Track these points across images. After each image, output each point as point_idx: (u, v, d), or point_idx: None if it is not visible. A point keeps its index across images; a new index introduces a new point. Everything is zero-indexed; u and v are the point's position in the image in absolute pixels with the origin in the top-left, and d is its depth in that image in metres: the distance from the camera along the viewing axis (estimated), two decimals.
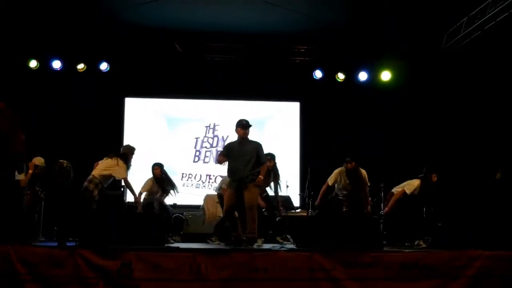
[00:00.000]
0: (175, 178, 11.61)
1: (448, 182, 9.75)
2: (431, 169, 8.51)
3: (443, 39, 10.74)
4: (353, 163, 8.50)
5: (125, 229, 6.23)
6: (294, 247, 6.96)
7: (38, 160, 8.23)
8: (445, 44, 10.70)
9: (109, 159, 8.22)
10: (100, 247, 5.76)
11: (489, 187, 8.84)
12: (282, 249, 6.41)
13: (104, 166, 8.21)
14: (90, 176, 8.11)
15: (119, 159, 8.21)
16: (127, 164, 8.34)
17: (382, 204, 10.08)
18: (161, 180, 9.17)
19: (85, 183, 8.04)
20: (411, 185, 8.51)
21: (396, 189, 8.75)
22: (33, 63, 11.14)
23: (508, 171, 8.99)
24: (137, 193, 8.64)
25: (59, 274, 5.56)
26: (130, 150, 8.64)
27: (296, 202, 10.99)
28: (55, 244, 6.45)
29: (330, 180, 8.68)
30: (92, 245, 5.85)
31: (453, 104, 10.96)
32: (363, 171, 8.69)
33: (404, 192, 8.48)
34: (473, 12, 9.56)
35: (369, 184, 8.80)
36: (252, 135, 11.93)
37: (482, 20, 9.34)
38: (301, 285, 5.68)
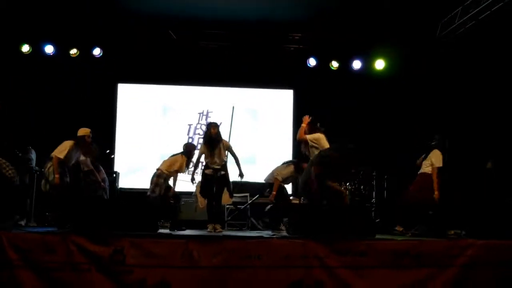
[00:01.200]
0: None
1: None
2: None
3: (437, 28, 10.73)
4: None
5: (118, 215, 6.23)
6: (287, 235, 7.00)
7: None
8: (440, 34, 10.70)
9: (178, 156, 8.47)
10: (93, 233, 5.74)
11: (481, 177, 8.88)
12: (274, 236, 6.42)
13: (171, 162, 8.47)
14: (158, 171, 8.40)
15: (184, 156, 8.47)
16: (189, 160, 8.60)
17: (374, 193, 10.15)
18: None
19: (154, 178, 8.36)
20: (438, 156, 7.90)
21: (427, 168, 7.97)
22: (25, 48, 11.03)
23: (499, 161, 9.04)
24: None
25: (52, 260, 5.53)
26: (193, 147, 8.87)
27: (289, 189, 10.99)
28: (48, 229, 6.45)
29: None
30: (85, 231, 5.83)
31: (447, 94, 10.96)
32: None
33: (438, 167, 7.82)
34: (468, 2, 9.56)
35: None
36: (246, 123, 12.02)
37: (477, 10, 9.33)
38: (294, 273, 5.69)
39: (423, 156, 8.14)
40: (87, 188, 8.59)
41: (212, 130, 8.18)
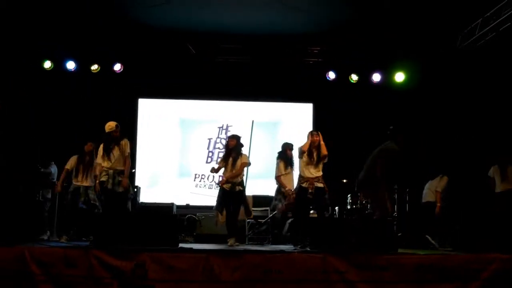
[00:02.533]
0: (188, 179, 11.71)
1: (462, 183, 9.72)
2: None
3: (457, 40, 10.67)
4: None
5: (139, 230, 6.25)
6: (308, 249, 6.96)
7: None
8: (460, 45, 10.62)
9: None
10: (114, 248, 5.76)
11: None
12: (295, 250, 6.40)
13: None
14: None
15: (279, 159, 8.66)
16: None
17: (395, 206, 10.05)
18: None
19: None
20: None
21: None
22: (47, 64, 11.20)
23: None
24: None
25: (74, 274, 5.58)
26: (288, 146, 8.92)
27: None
28: (70, 243, 6.50)
29: None
30: (106, 245, 5.86)
31: (468, 106, 10.87)
32: None
33: None
34: (488, 13, 9.49)
35: None
36: (265, 137, 12.02)
37: (498, 21, 9.27)
38: (315, 287, 5.66)
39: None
40: None
41: (230, 142, 8.17)
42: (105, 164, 7.34)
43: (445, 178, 9.30)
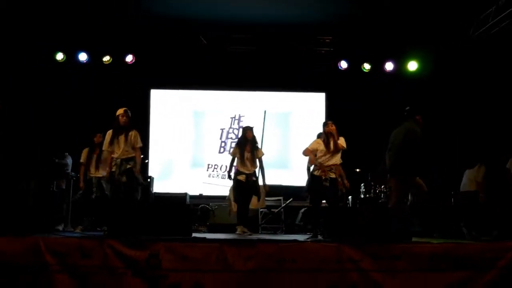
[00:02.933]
0: (201, 169, 11.74)
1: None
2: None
3: (471, 28, 10.56)
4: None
5: (153, 220, 6.27)
6: (321, 238, 6.96)
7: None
8: (473, 33, 10.52)
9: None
10: (128, 238, 5.79)
11: None
12: (309, 240, 6.39)
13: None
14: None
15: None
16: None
17: (409, 195, 10.00)
18: None
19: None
20: None
21: None
22: (59, 56, 11.25)
23: None
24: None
25: (88, 264, 5.60)
26: None
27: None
28: (85, 233, 6.54)
29: None
30: (120, 235, 5.88)
31: (482, 94, 10.78)
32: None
33: None
34: (502, 1, 9.38)
35: None
36: (278, 127, 12.00)
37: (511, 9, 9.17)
38: (329, 276, 5.64)
39: None
40: None
41: (248, 134, 8.21)
42: (113, 153, 7.33)
43: (483, 168, 9.14)
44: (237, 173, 8.18)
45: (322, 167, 7.58)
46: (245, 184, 8.11)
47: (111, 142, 7.38)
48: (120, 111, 7.49)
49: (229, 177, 8.43)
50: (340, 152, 7.77)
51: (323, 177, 7.52)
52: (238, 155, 8.17)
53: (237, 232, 7.96)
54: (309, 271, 5.66)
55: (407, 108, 7.62)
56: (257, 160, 8.26)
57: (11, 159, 9.29)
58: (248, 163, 8.14)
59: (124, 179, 7.20)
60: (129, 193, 7.25)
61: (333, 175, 7.62)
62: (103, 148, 7.53)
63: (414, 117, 7.57)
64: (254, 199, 8.48)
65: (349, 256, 5.71)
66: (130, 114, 7.52)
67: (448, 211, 9.55)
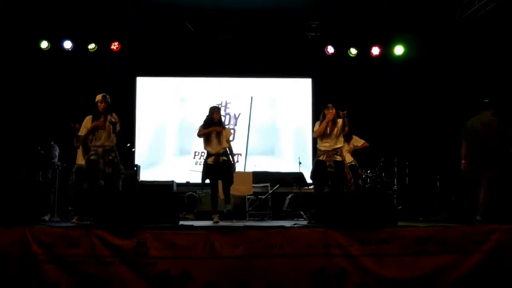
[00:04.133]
0: (187, 157, 11.71)
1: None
2: None
3: (456, 12, 10.56)
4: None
5: (140, 208, 6.25)
6: (308, 224, 6.99)
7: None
8: (459, 17, 10.53)
9: None
10: (115, 227, 5.78)
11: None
12: (296, 225, 6.42)
13: None
14: None
15: None
16: None
17: (395, 179, 10.08)
18: None
19: None
20: None
21: None
22: (44, 44, 11.13)
23: None
24: None
25: (76, 254, 5.60)
26: None
27: (308, 178, 10.97)
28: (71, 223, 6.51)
29: None
30: (107, 224, 5.87)
31: (467, 78, 10.81)
32: None
33: None
34: None
35: None
36: (265, 113, 11.99)
37: None
38: (317, 261, 5.68)
39: None
40: None
41: (215, 116, 7.77)
42: (91, 140, 7.13)
43: None
44: (207, 156, 7.73)
45: (326, 152, 7.31)
46: (215, 166, 7.61)
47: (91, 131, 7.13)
48: (98, 97, 7.19)
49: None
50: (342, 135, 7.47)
51: (327, 163, 7.23)
52: (203, 136, 7.73)
53: (214, 220, 7.53)
54: (296, 256, 5.71)
55: (486, 100, 7.51)
56: (225, 141, 7.71)
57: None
58: (215, 143, 7.63)
59: (109, 170, 7.09)
60: (111, 183, 7.12)
61: (339, 158, 7.34)
62: (79, 133, 7.30)
63: (492, 109, 7.46)
64: (240, 186, 8.42)
65: (337, 241, 5.75)
66: (109, 99, 7.21)
67: (435, 195, 9.66)
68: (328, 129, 7.32)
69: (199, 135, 7.78)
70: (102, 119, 7.01)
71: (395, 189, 9.90)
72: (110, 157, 7.08)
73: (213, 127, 7.67)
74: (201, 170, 7.88)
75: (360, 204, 6.33)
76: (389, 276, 5.69)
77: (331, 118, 7.30)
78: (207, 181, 7.73)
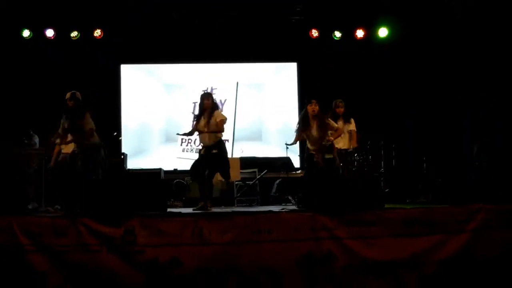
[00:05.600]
0: (174, 144, 11.67)
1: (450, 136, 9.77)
2: None
3: None
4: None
5: (127, 196, 6.23)
6: (296, 208, 7.01)
7: None
8: None
9: None
10: (102, 215, 5.76)
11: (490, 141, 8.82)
12: (284, 210, 6.44)
13: None
14: None
15: None
16: None
17: (382, 162, 10.11)
18: None
19: None
20: None
21: None
22: (26, 33, 10.99)
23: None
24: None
25: (63, 243, 5.58)
26: None
27: (296, 163, 11.00)
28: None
29: None
30: (94, 213, 5.85)
31: (453, 58, 10.85)
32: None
33: None
34: None
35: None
36: (251, 99, 11.97)
37: None
38: (305, 245, 5.71)
39: None
40: None
41: (205, 101, 7.40)
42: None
43: None
44: (200, 146, 7.62)
45: (314, 150, 7.15)
46: (204, 158, 7.45)
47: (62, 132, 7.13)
48: (67, 96, 7.13)
49: (179, 134, 7.96)
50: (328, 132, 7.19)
51: (315, 159, 7.07)
52: (196, 126, 7.51)
53: (198, 206, 7.29)
54: (285, 240, 5.73)
55: None
56: (217, 125, 7.34)
57: None
58: (206, 135, 7.36)
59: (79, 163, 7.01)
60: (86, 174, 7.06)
61: (329, 156, 7.13)
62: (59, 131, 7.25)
63: None
64: (233, 172, 8.32)
65: (324, 224, 5.79)
66: (79, 96, 7.13)
67: (421, 177, 9.71)
68: (310, 129, 7.16)
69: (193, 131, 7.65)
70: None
71: (382, 172, 9.94)
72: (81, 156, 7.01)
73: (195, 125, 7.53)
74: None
75: (347, 188, 6.37)
76: (376, 257, 5.74)
77: (312, 115, 7.14)
78: None
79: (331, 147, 7.19)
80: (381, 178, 9.63)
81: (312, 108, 7.15)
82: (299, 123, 7.39)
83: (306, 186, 7.12)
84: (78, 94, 7.15)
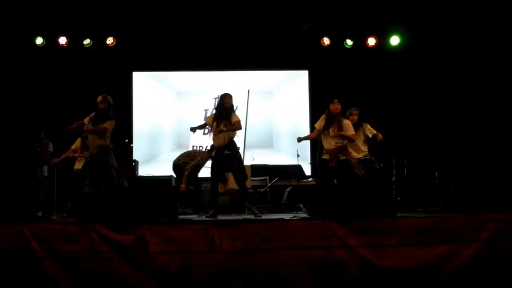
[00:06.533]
0: (185, 151, 11.67)
1: (461, 144, 9.71)
2: None
3: None
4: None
5: (138, 203, 6.25)
6: (307, 216, 6.99)
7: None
8: None
9: None
10: (114, 222, 5.78)
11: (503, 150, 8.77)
12: (295, 218, 6.42)
13: None
14: None
15: None
16: None
17: (393, 170, 10.07)
18: None
19: None
20: None
21: None
22: (39, 40, 11.08)
23: None
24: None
25: (74, 250, 5.59)
26: None
27: (307, 171, 10.99)
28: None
29: None
30: (106, 220, 5.87)
31: (464, 67, 10.80)
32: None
33: None
34: None
35: None
36: (262, 106, 11.98)
37: None
38: (315, 253, 5.69)
39: None
40: None
41: (227, 100, 7.48)
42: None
43: None
44: (211, 148, 7.65)
45: (328, 150, 7.09)
46: (216, 159, 7.49)
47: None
48: (99, 99, 7.27)
49: (193, 129, 7.64)
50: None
51: (330, 164, 7.03)
52: (211, 126, 7.52)
53: (209, 213, 7.34)
54: (295, 249, 5.70)
55: None
56: (234, 125, 7.39)
57: None
58: (223, 135, 7.36)
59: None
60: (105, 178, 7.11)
61: (343, 157, 7.13)
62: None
63: None
64: (230, 178, 8.30)
65: (335, 232, 5.75)
66: (110, 100, 7.27)
67: (433, 186, 9.66)
68: (329, 128, 7.16)
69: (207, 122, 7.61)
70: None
71: (394, 180, 9.90)
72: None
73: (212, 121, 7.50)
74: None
75: (358, 196, 6.34)
76: (388, 266, 5.69)
77: (334, 113, 7.17)
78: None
79: (345, 148, 7.19)
80: (393, 187, 9.59)
81: (335, 106, 7.20)
82: (321, 120, 7.32)
83: (318, 192, 7.06)
84: (109, 97, 7.27)
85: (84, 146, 8.28)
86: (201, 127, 7.85)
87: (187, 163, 8.91)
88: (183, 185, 8.68)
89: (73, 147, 8.60)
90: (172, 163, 9.22)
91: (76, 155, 8.56)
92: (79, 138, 8.50)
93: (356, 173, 7.30)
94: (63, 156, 8.57)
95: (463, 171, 9.29)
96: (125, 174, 8.60)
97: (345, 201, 6.23)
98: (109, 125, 7.09)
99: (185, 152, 9.43)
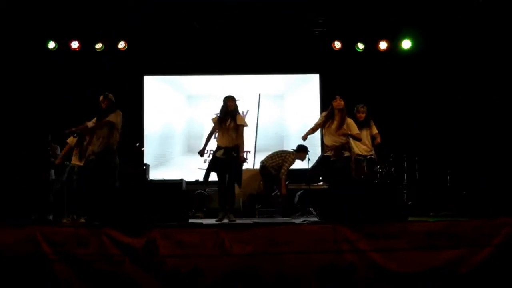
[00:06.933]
0: (196, 155, 11.62)
1: (473, 148, 9.64)
2: None
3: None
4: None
5: (149, 207, 6.27)
6: (318, 220, 6.97)
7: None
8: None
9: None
10: (125, 225, 5.79)
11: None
12: (305, 222, 6.41)
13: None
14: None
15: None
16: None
17: (405, 175, 10.02)
18: None
19: None
20: None
21: None
22: (51, 44, 11.16)
23: None
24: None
25: (86, 253, 5.62)
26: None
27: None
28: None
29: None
30: (117, 223, 5.89)
31: (476, 71, 10.74)
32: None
33: None
34: None
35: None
36: (273, 110, 11.98)
37: None
38: (326, 257, 5.67)
39: None
40: None
41: (230, 103, 7.52)
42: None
43: None
44: (216, 148, 7.56)
45: (332, 147, 7.15)
46: (223, 161, 7.42)
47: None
48: (100, 98, 7.33)
49: (201, 154, 7.71)
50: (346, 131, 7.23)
51: (332, 159, 7.07)
52: (218, 128, 7.57)
53: (218, 218, 7.39)
54: (305, 252, 5.70)
55: None
56: (237, 135, 7.47)
57: (8, 151, 9.28)
58: (228, 137, 7.44)
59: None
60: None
61: (347, 153, 7.18)
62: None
63: None
64: (249, 184, 8.31)
65: (345, 236, 5.74)
66: (112, 98, 7.30)
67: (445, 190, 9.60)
68: (330, 124, 7.24)
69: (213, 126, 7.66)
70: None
71: (405, 184, 9.84)
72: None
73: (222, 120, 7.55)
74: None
75: (369, 200, 6.31)
76: (398, 270, 5.68)
77: (337, 108, 7.21)
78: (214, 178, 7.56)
79: (348, 145, 7.24)
80: (404, 191, 9.54)
81: (337, 102, 7.26)
82: (322, 117, 7.40)
83: (327, 197, 7.04)
84: (111, 95, 7.29)
85: (79, 142, 8.28)
86: (205, 146, 7.84)
87: (280, 166, 9.08)
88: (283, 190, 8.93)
89: (68, 141, 8.55)
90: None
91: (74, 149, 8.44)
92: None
93: (358, 172, 7.32)
94: (62, 153, 8.57)
95: (472, 175, 9.23)
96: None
97: (355, 203, 6.19)
98: (112, 118, 7.09)
99: (274, 153, 9.52)
